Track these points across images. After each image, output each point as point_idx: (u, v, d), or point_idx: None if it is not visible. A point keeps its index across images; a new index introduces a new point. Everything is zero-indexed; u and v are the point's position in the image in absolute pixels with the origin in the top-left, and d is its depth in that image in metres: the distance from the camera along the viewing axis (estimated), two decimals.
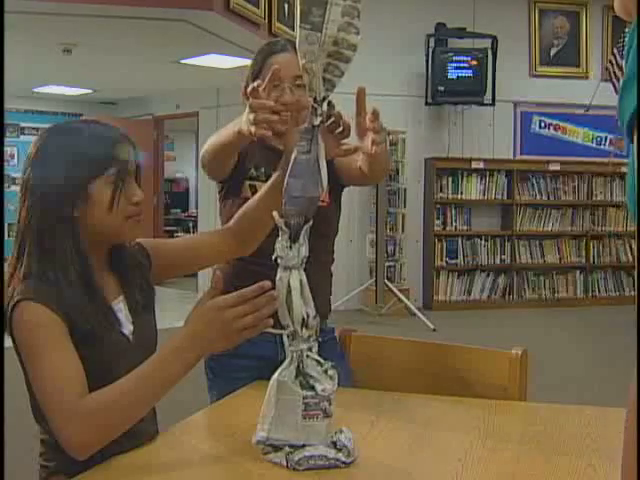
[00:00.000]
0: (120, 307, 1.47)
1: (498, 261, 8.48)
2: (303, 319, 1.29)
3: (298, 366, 1.30)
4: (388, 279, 7.62)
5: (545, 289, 8.60)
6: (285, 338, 1.32)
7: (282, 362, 1.38)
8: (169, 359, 1.29)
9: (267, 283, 1.27)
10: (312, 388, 1.29)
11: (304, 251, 1.31)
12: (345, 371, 1.91)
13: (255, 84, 1.47)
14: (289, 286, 1.29)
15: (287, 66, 1.94)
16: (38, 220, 1.39)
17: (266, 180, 2.00)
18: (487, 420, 1.57)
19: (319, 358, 1.32)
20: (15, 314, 1.32)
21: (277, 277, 1.30)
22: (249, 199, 2.01)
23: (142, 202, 1.45)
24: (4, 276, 1.40)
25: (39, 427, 1.43)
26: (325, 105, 1.33)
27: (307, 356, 1.30)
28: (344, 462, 1.29)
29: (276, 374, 1.31)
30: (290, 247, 1.30)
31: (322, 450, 1.28)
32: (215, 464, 1.33)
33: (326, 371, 1.31)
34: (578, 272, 8.70)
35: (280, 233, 1.31)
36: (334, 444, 1.30)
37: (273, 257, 1.31)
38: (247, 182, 2.03)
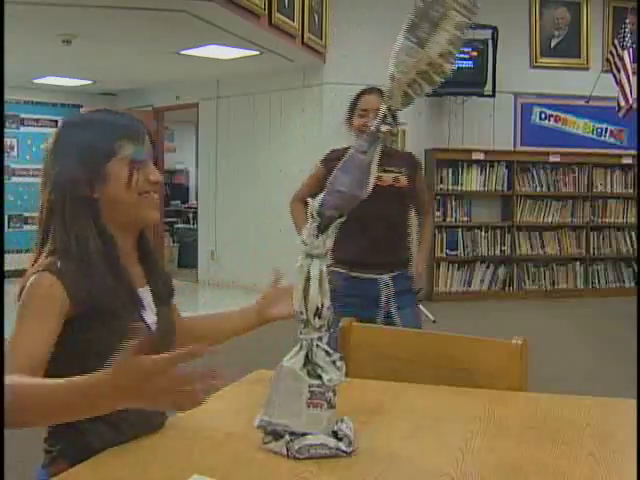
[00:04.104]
0: (145, 295, 1.49)
1: (498, 252, 8.48)
2: (317, 308, 1.30)
3: (307, 355, 1.31)
4: None
5: (545, 280, 8.60)
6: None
7: (379, 299, 2.88)
8: (93, 397, 1.11)
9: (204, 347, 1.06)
10: (319, 377, 1.30)
11: (330, 243, 1.32)
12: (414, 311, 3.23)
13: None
14: (309, 274, 1.29)
15: (373, 101, 3.02)
16: (61, 205, 1.41)
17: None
18: (487, 410, 1.57)
19: (328, 348, 1.33)
20: (28, 282, 1.34)
21: (297, 263, 1.31)
22: None
23: (160, 182, 1.48)
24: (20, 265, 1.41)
25: None
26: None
27: (317, 346, 1.31)
28: (344, 451, 1.29)
29: (284, 360, 1.32)
30: (317, 236, 1.31)
31: (323, 439, 1.29)
32: (216, 452, 1.34)
33: (334, 362, 1.32)
34: (578, 263, 8.70)
35: (310, 220, 1.32)
36: (335, 433, 1.31)
37: (299, 242, 1.32)
38: None
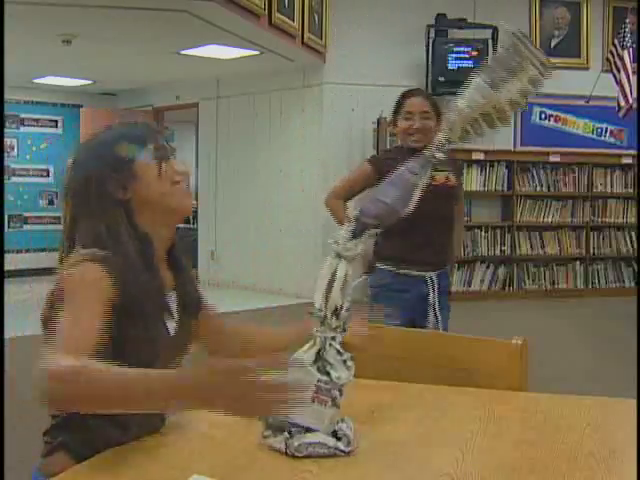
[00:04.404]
0: (172, 300, 1.49)
1: (498, 252, 8.48)
2: (336, 308, 1.32)
3: (319, 351, 1.33)
4: None
5: (545, 280, 8.60)
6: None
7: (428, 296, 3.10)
8: (178, 390, 1.12)
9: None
10: (328, 374, 1.32)
11: (360, 249, 1.35)
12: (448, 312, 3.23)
13: None
14: (334, 274, 1.32)
15: (418, 104, 3.13)
16: (93, 209, 1.42)
17: None
18: (487, 410, 1.57)
19: (340, 348, 1.35)
20: (73, 271, 1.32)
21: (326, 262, 1.34)
22: None
23: (187, 172, 1.51)
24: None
25: None
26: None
27: (330, 344, 1.33)
28: (343, 451, 1.30)
29: (296, 353, 1.34)
30: (351, 239, 1.34)
31: (322, 438, 1.29)
32: (216, 452, 1.34)
33: (345, 361, 1.34)
34: (578, 263, 8.70)
35: (347, 222, 1.35)
36: (334, 433, 1.31)
37: (330, 241, 1.35)
38: None
